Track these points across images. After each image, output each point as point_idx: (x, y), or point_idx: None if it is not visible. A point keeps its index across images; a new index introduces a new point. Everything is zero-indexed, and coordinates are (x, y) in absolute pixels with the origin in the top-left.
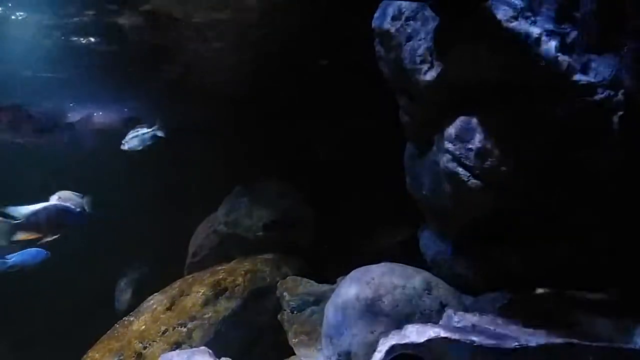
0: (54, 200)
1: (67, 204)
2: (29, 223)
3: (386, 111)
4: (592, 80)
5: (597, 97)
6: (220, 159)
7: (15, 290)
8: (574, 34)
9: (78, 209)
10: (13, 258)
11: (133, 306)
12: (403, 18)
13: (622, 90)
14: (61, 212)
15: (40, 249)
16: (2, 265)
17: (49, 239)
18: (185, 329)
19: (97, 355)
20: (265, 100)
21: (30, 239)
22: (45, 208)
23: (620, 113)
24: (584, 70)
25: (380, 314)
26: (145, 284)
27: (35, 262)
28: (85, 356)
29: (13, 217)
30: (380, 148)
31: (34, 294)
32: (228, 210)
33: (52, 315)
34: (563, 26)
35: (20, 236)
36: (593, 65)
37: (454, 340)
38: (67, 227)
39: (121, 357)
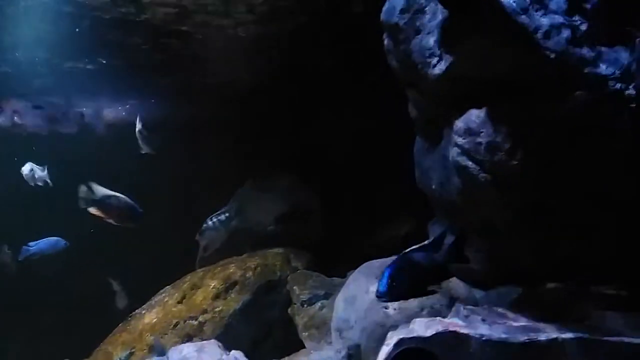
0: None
1: (133, 203)
2: (102, 203)
3: (393, 107)
4: (603, 73)
5: (608, 90)
6: (231, 154)
7: (32, 285)
8: (584, 27)
9: (140, 210)
10: (35, 246)
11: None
12: (412, 11)
13: (633, 84)
14: (127, 206)
15: (60, 239)
16: (25, 252)
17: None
18: (196, 322)
19: (109, 347)
20: (276, 97)
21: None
22: (117, 198)
23: (632, 106)
24: (595, 63)
25: (390, 308)
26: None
27: (55, 250)
28: (98, 348)
29: (92, 192)
30: (388, 142)
31: (50, 288)
32: (239, 204)
33: (66, 309)
34: (573, 18)
35: (92, 210)
36: (604, 58)
37: (462, 334)
38: (125, 221)
39: (133, 350)
